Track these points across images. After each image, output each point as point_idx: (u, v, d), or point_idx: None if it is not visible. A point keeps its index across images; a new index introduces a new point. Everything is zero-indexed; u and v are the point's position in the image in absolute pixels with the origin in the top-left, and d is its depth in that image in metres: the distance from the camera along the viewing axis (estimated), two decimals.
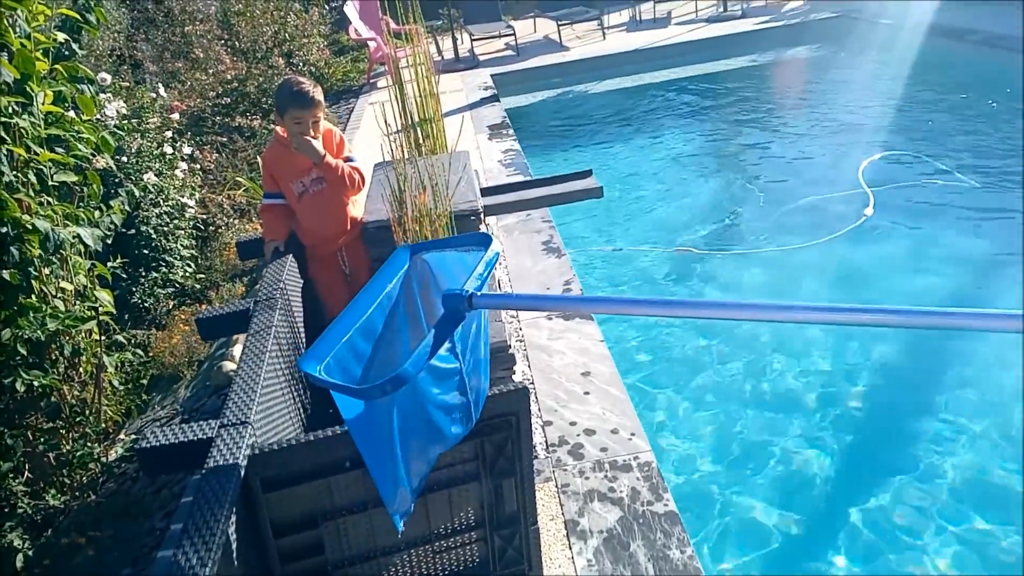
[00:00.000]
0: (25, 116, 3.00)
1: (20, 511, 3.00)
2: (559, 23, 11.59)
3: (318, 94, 2.92)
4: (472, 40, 11.22)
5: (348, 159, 3.09)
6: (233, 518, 1.65)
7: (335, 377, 1.49)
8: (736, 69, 10.35)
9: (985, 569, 2.82)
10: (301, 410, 2.45)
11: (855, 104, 8.41)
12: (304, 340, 2.70)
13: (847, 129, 7.69)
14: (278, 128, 3.09)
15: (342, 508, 1.98)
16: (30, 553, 2.85)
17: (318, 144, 2.96)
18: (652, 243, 5.78)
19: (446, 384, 1.63)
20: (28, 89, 3.00)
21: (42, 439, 3.23)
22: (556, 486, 2.74)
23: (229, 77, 8.34)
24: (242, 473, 1.73)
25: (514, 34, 11.19)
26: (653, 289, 5.17)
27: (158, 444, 1.85)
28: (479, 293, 1.48)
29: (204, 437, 1.83)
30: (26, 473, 3.15)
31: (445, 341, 1.49)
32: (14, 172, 2.98)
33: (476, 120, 7.93)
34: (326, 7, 11.40)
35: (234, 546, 1.69)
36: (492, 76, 9.97)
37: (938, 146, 6.85)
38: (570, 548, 2.45)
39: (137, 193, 4.53)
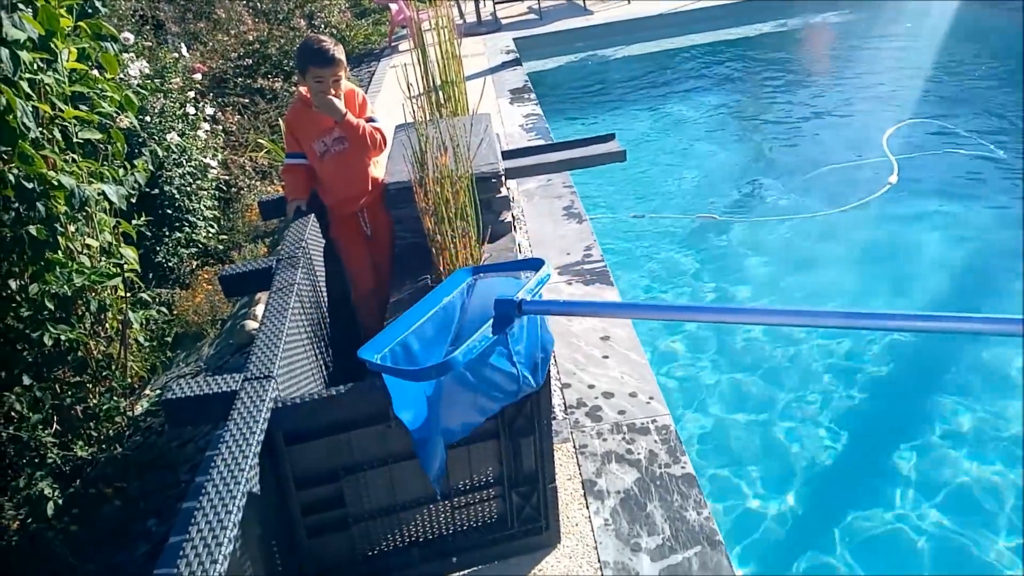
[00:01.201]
0: (50, 72, 3.02)
1: (50, 461, 3.07)
2: None
3: (339, 52, 2.90)
4: (495, 3, 11.07)
5: (370, 119, 3.08)
6: (257, 469, 1.68)
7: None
8: (764, 34, 10.16)
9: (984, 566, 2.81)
10: (323, 367, 2.48)
11: (884, 71, 8.23)
12: (326, 298, 2.73)
13: (875, 96, 7.54)
14: (301, 88, 3.08)
15: (363, 463, 2.01)
16: (60, 501, 2.93)
17: (339, 102, 2.94)
18: (674, 210, 5.74)
19: (498, 382, 1.83)
20: (52, 45, 3.01)
21: (70, 392, 3.30)
22: (574, 447, 2.76)
23: (251, 38, 8.31)
24: (265, 426, 1.76)
25: None
26: (675, 257, 5.14)
27: (183, 396, 1.88)
28: (529, 299, 1.67)
29: (228, 390, 1.85)
30: (55, 425, 3.23)
31: (496, 341, 1.71)
32: (40, 128, 3.01)
33: (498, 84, 7.86)
34: None
35: (257, 497, 1.72)
36: (514, 40, 9.85)
37: (966, 115, 6.71)
38: (587, 507, 2.48)
39: (160, 153, 4.55)
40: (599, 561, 2.27)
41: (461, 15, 11.15)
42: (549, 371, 2.07)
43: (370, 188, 3.15)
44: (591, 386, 3.09)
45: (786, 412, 3.61)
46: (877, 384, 3.77)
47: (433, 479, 1.87)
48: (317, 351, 2.46)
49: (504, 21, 10.99)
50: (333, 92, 2.93)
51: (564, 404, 2.99)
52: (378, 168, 3.22)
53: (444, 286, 1.95)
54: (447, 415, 1.82)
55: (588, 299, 3.69)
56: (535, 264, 1.83)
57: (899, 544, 2.90)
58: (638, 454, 2.69)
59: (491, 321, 1.67)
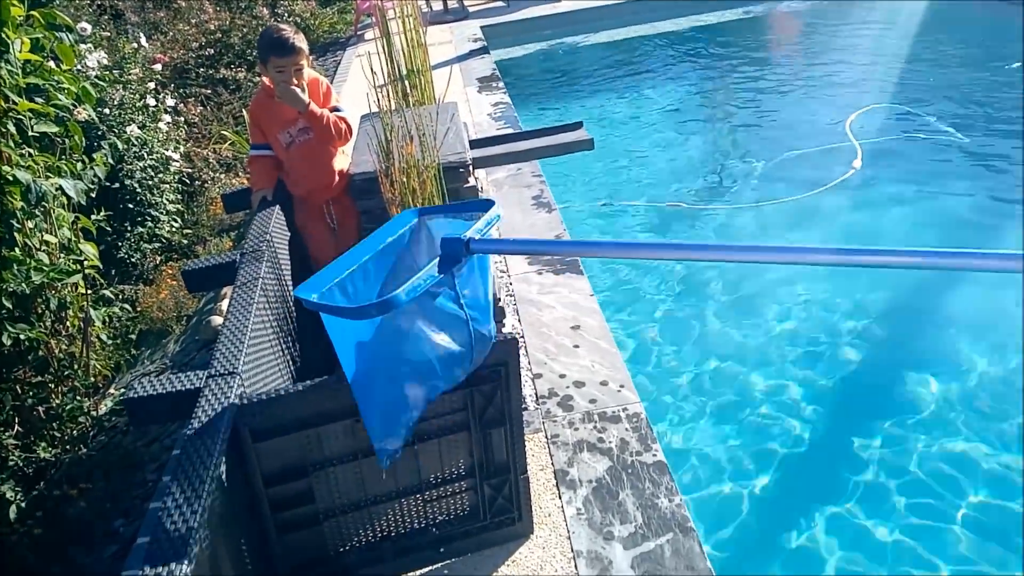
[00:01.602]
0: (1, 64, 2.93)
1: (11, 464, 3.00)
2: None
3: (299, 41, 2.86)
4: None
5: (335, 109, 3.04)
6: (223, 467, 1.65)
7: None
8: (730, 21, 10.20)
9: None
10: (290, 362, 2.45)
11: (849, 57, 8.33)
12: (291, 291, 2.69)
13: (840, 83, 7.62)
14: (264, 78, 3.03)
15: (332, 458, 1.99)
16: (23, 504, 2.86)
17: (303, 93, 2.90)
18: (643, 197, 5.75)
19: (447, 328, 1.69)
20: (3, 36, 2.91)
21: (31, 393, 3.23)
22: (546, 437, 2.76)
23: (212, 28, 8.16)
24: (231, 423, 1.73)
25: None
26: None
27: (146, 394, 1.84)
28: (477, 238, 1.57)
29: (192, 387, 1.82)
30: (16, 427, 3.15)
31: (442, 281, 1.58)
32: None
33: (465, 73, 7.81)
34: None
35: (224, 495, 1.70)
36: (482, 28, 9.79)
37: (930, 101, 6.81)
38: (560, 497, 2.48)
39: (120, 146, 4.45)
40: (572, 551, 2.28)
41: (427, 3, 11.06)
42: (519, 360, 2.07)
43: (337, 179, 3.13)
44: (562, 375, 3.09)
45: (758, 397, 3.64)
46: (850, 368, 3.82)
47: (377, 448, 1.73)
48: (283, 346, 2.43)
49: (471, 9, 10.92)
50: (296, 82, 2.89)
51: (535, 394, 2.99)
52: (344, 158, 3.19)
53: (388, 227, 1.84)
54: (395, 370, 1.68)
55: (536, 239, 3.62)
56: (484, 206, 1.74)
57: (873, 529, 2.93)
58: (609, 443, 2.69)
59: (437, 260, 1.58)
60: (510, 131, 5.38)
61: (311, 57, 2.99)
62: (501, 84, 7.32)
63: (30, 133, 3.15)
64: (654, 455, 2.62)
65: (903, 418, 3.41)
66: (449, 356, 1.74)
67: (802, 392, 3.64)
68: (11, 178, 2.91)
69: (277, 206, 2.86)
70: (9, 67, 2.96)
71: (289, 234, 2.88)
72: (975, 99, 6.73)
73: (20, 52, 3.04)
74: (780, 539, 2.94)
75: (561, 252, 3.25)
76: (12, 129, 3.06)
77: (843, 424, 3.48)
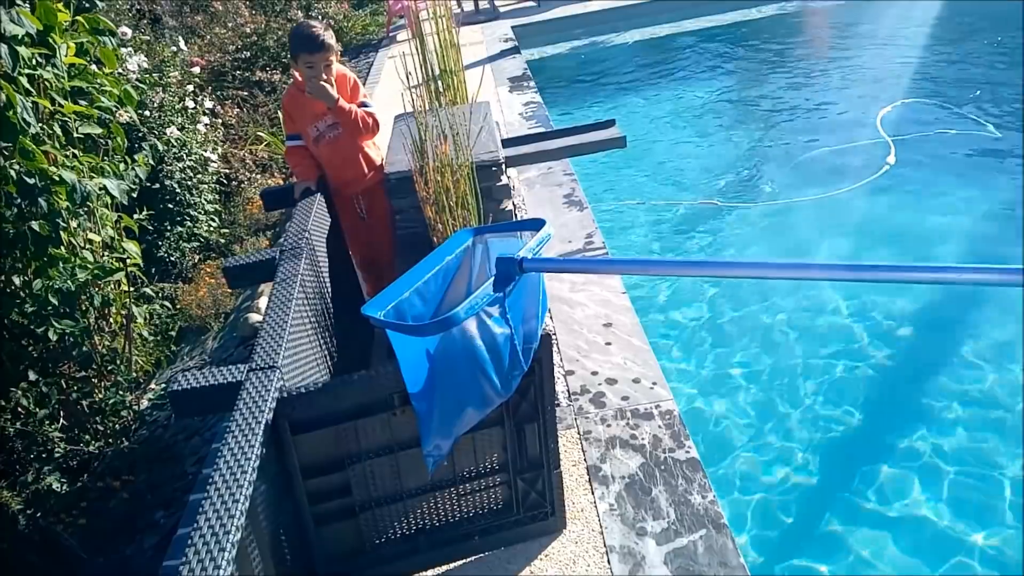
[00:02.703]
0: (48, 68, 3.02)
1: (57, 456, 3.09)
2: None
3: (328, 37, 2.93)
4: None
5: (363, 104, 3.11)
6: (262, 459, 1.69)
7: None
8: (763, 18, 10.11)
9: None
10: (327, 356, 2.49)
11: (881, 52, 8.21)
12: (329, 288, 2.73)
13: (874, 78, 7.51)
14: (295, 73, 3.11)
15: (369, 451, 2.02)
16: (68, 495, 2.95)
17: (331, 88, 2.97)
18: (675, 196, 5.73)
19: (500, 343, 1.80)
20: (51, 40, 3.00)
21: (75, 387, 3.32)
22: (578, 433, 2.77)
23: (248, 31, 8.29)
24: (271, 415, 1.77)
25: None
26: (677, 242, 5.14)
27: (189, 387, 1.89)
28: (530, 257, 1.68)
29: (234, 380, 1.86)
30: (61, 420, 3.24)
31: (496, 299, 1.71)
32: (40, 124, 3.01)
33: (496, 73, 7.84)
34: None
35: (264, 487, 1.74)
36: (512, 28, 9.82)
37: (961, 94, 6.70)
38: (592, 493, 2.49)
39: (160, 147, 4.55)
40: (605, 546, 2.29)
41: (459, 4, 11.10)
42: (552, 357, 2.08)
43: (366, 172, 3.20)
44: (594, 372, 3.09)
45: (793, 395, 3.62)
46: (885, 366, 3.77)
47: (426, 454, 1.84)
48: (321, 340, 2.47)
49: (502, 9, 10.95)
50: (325, 77, 2.96)
51: (568, 391, 3.00)
52: (376, 151, 3.25)
53: (446, 246, 1.96)
54: (449, 382, 1.79)
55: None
56: (536, 225, 1.84)
57: (909, 529, 2.90)
58: (642, 439, 2.70)
59: (492, 279, 1.69)
60: (541, 130, 5.40)
61: (342, 56, 3.04)
62: (532, 84, 7.34)
63: (75, 135, 3.24)
64: (687, 452, 2.61)
65: (945, 419, 3.36)
66: (502, 369, 1.83)
67: (842, 390, 3.61)
68: (57, 178, 3.00)
69: (319, 197, 2.92)
70: (56, 71, 3.04)
71: (328, 227, 2.93)
72: (1007, 96, 6.61)
73: (66, 56, 3.13)
74: (813, 536, 2.92)
75: (612, 271, 3.33)
76: (58, 131, 3.15)
77: (882, 422, 3.44)
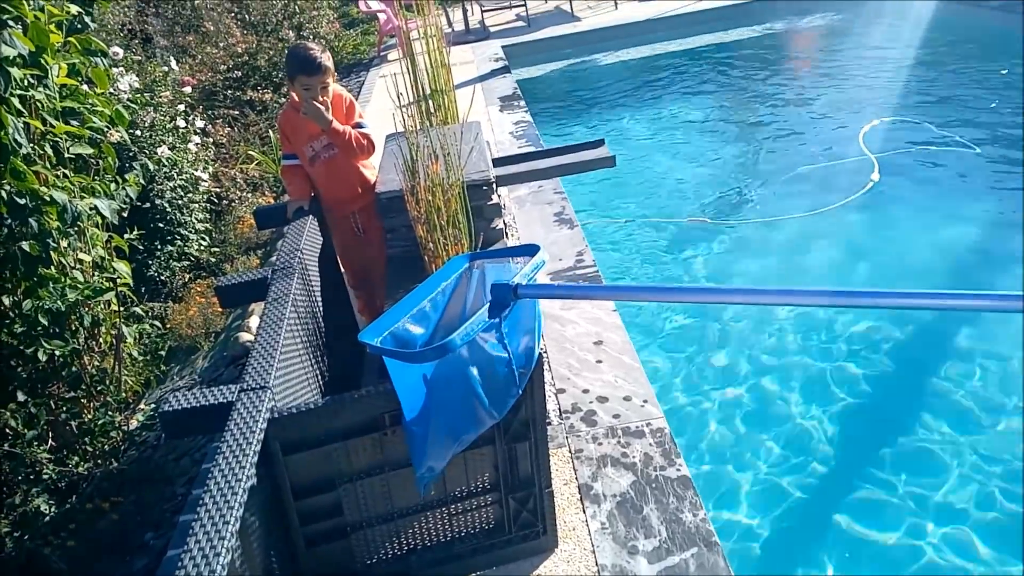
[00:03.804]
0: (40, 88, 3.03)
1: (45, 477, 3.07)
2: None
3: (326, 60, 2.95)
4: (483, 11, 11.12)
5: (357, 124, 3.14)
6: (254, 480, 1.68)
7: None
8: (749, 38, 10.22)
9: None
10: (319, 376, 2.49)
11: (867, 71, 8.31)
12: (321, 306, 2.74)
13: (859, 97, 7.61)
14: (292, 93, 3.13)
15: (360, 471, 2.02)
16: (56, 517, 2.92)
17: (326, 110, 2.99)
18: (664, 214, 5.77)
19: (494, 368, 1.83)
20: (43, 61, 3.01)
21: (64, 408, 3.30)
22: (569, 452, 2.77)
23: (240, 51, 8.33)
24: (262, 436, 1.76)
25: (525, 4, 11.08)
26: (666, 260, 5.17)
27: (179, 408, 1.89)
28: (525, 283, 1.71)
29: (225, 401, 1.86)
30: (50, 441, 3.22)
31: (491, 325, 1.73)
32: (31, 144, 3.01)
33: (487, 92, 7.89)
34: None
35: (254, 508, 1.73)
36: (503, 47, 9.89)
37: (944, 113, 6.82)
38: (584, 511, 2.49)
39: (151, 166, 4.56)
40: (597, 564, 2.29)
41: (449, 23, 11.19)
42: (543, 376, 2.09)
43: (361, 191, 3.22)
44: (585, 391, 3.10)
45: (783, 412, 3.63)
46: (874, 383, 3.79)
47: (418, 476, 1.86)
48: (313, 360, 2.47)
49: (492, 29, 11.04)
50: (320, 99, 2.98)
51: (559, 409, 3.01)
52: (371, 171, 3.28)
53: (442, 271, 1.99)
54: (445, 407, 1.81)
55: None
56: (531, 250, 1.89)
57: (901, 547, 2.90)
58: (633, 457, 2.70)
59: (487, 305, 1.71)
60: (532, 149, 5.43)
61: (335, 74, 3.08)
62: (522, 103, 7.39)
63: (66, 155, 3.24)
64: (678, 469, 2.62)
65: (934, 442, 3.38)
66: (497, 393, 1.86)
67: (830, 408, 3.62)
68: (48, 198, 2.99)
69: (311, 217, 2.93)
70: (48, 91, 3.05)
71: (320, 246, 2.94)
72: (985, 110, 6.73)
73: (58, 77, 3.14)
74: (804, 555, 2.93)
75: (605, 297, 3.36)
76: (49, 151, 3.15)
77: (870, 442, 3.46)
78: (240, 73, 7.99)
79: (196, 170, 5.29)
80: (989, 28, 8.99)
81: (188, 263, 5.01)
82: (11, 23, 2.85)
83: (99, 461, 3.26)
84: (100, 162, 3.52)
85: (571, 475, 2.66)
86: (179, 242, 4.95)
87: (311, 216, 2.95)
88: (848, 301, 1.38)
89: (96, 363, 3.49)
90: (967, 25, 9.34)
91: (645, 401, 3.00)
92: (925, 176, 5.73)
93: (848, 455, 3.38)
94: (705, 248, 5.23)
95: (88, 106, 3.39)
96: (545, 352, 3.40)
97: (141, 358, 3.86)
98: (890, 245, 4.95)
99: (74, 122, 3.31)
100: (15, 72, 2.81)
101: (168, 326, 4.38)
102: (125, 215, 3.74)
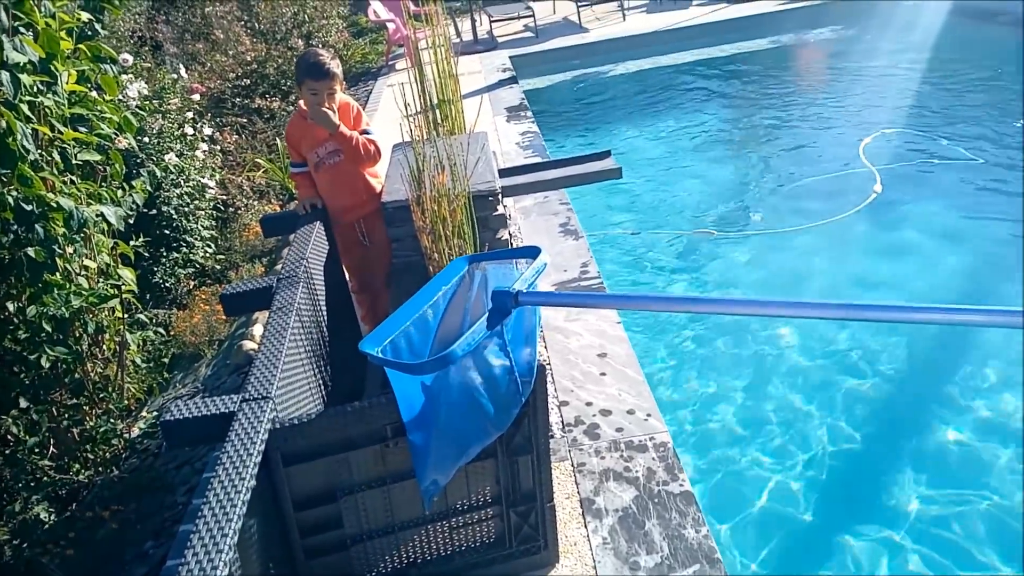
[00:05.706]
0: (49, 95, 3.04)
1: (45, 485, 3.06)
2: (579, 4, 11.47)
3: (335, 66, 2.97)
4: (491, 22, 11.15)
5: (364, 131, 3.14)
6: (253, 491, 1.67)
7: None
8: (757, 51, 10.23)
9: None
10: (322, 386, 2.48)
11: (873, 84, 8.32)
12: (326, 316, 2.73)
13: (863, 109, 7.62)
14: (300, 101, 3.15)
15: (361, 483, 2.01)
16: (56, 525, 2.91)
17: (333, 115, 3.00)
18: (670, 225, 5.76)
19: (497, 377, 1.80)
20: (53, 68, 3.02)
21: (66, 415, 3.29)
22: (572, 465, 2.75)
23: (249, 59, 8.36)
24: (263, 446, 1.75)
25: (533, 15, 11.11)
26: (672, 271, 5.16)
27: (181, 417, 1.88)
28: (525, 290, 1.67)
29: (226, 411, 1.85)
30: (51, 448, 3.21)
31: (492, 333, 1.69)
32: (39, 151, 3.02)
33: (494, 102, 7.90)
34: None
35: (254, 519, 1.72)
36: (511, 58, 9.91)
37: (946, 124, 6.83)
38: (585, 526, 2.47)
39: (158, 173, 4.57)
40: None
41: (458, 33, 11.23)
42: (546, 388, 2.08)
43: (366, 199, 3.22)
44: (588, 404, 3.08)
45: (786, 426, 3.61)
46: (881, 396, 3.77)
47: (423, 489, 1.83)
48: (316, 370, 2.46)
49: (500, 39, 11.07)
50: (328, 105, 2.99)
51: (562, 422, 2.99)
52: (376, 179, 3.28)
53: (442, 275, 1.95)
54: (448, 418, 1.78)
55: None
56: (531, 252, 1.85)
57: (904, 562, 2.88)
58: (636, 472, 2.68)
59: (487, 314, 1.68)
60: (538, 160, 5.43)
61: (343, 81, 3.09)
62: (529, 113, 7.40)
63: (73, 161, 3.25)
64: (681, 484, 2.60)
65: (938, 452, 3.35)
66: (500, 403, 1.83)
67: (839, 426, 3.60)
68: (55, 205, 3.00)
69: (318, 223, 2.93)
70: (56, 98, 3.06)
71: (326, 254, 2.94)
72: (988, 121, 6.74)
73: (67, 83, 3.15)
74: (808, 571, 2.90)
75: (608, 306, 3.36)
76: (57, 157, 3.16)
77: (876, 456, 3.43)
78: (249, 81, 8.02)
79: (203, 177, 5.30)
80: (1000, 42, 8.98)
81: (193, 270, 5.01)
82: (22, 30, 2.87)
83: (100, 469, 3.25)
84: (107, 169, 3.53)
85: (573, 489, 2.64)
86: (184, 249, 4.96)
87: (318, 223, 2.95)
88: (854, 314, 1.35)
89: (99, 370, 3.49)
90: (976, 39, 9.34)
91: (648, 415, 2.98)
92: (928, 187, 5.76)
93: (856, 474, 3.35)
94: (711, 261, 5.22)
95: (96, 113, 3.40)
96: (549, 364, 3.38)
97: (144, 365, 3.86)
98: (893, 256, 4.94)
99: (82, 128, 3.32)
100: (25, 78, 2.82)
101: (172, 333, 4.38)
102: (131, 222, 3.74)
